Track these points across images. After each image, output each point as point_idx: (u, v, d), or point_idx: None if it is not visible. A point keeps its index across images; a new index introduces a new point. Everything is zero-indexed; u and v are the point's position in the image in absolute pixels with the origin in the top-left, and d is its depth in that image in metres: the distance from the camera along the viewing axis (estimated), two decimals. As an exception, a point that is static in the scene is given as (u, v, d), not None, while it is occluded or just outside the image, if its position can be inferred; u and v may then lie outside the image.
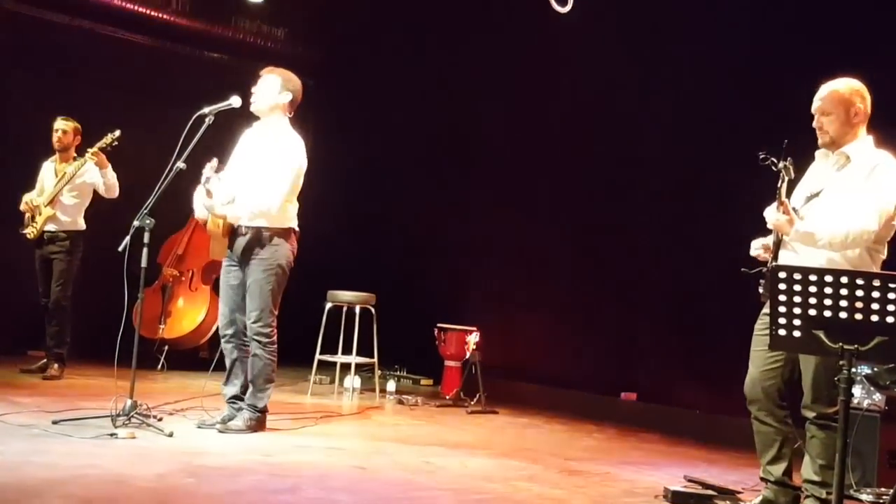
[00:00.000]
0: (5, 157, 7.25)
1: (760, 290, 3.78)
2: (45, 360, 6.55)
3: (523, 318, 7.60)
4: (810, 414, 3.73)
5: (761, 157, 3.71)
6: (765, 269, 3.75)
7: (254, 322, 4.82)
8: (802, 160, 3.83)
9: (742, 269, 3.85)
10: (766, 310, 3.74)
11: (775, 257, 3.75)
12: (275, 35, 8.90)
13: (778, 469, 3.85)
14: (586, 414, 6.66)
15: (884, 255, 3.70)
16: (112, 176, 6.46)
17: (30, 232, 6.48)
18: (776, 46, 5.95)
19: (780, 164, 3.67)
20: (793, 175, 3.72)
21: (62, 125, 6.56)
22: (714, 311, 6.09)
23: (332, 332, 6.88)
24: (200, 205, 4.89)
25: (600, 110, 7.11)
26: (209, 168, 4.74)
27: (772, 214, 3.72)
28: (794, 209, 3.70)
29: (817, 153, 3.91)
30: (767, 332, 3.55)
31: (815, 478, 3.71)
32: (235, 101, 4.82)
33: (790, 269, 3.13)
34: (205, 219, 4.92)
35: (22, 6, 7.74)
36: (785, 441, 3.85)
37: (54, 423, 4.43)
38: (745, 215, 4.15)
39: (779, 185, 3.69)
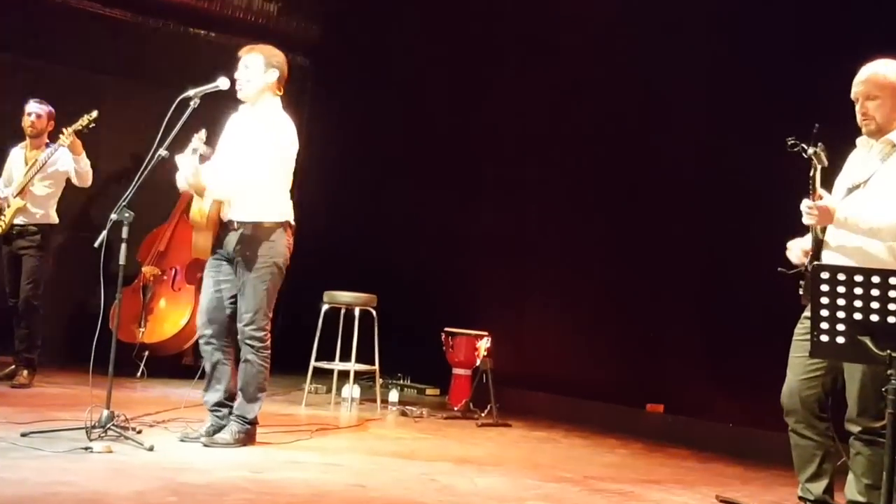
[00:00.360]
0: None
1: (801, 292, 3.79)
2: (13, 367, 6.57)
3: (539, 322, 7.60)
4: (855, 428, 3.72)
5: (790, 143, 3.71)
6: (804, 269, 3.75)
7: (246, 325, 4.83)
8: (833, 153, 3.82)
9: (779, 269, 3.85)
10: (806, 313, 3.72)
11: (816, 257, 3.75)
12: (267, 10, 8.91)
13: (818, 487, 3.85)
14: (609, 427, 6.66)
15: None
16: (86, 163, 6.48)
17: None
18: (808, 29, 5.92)
19: (811, 151, 3.68)
20: (825, 162, 3.72)
21: (36, 109, 6.58)
22: (748, 315, 6.07)
23: (328, 336, 6.91)
24: (183, 175, 4.80)
25: (621, 106, 7.06)
26: (197, 139, 4.73)
27: (807, 209, 3.70)
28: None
29: (859, 141, 3.91)
30: (808, 337, 3.54)
31: (860, 499, 3.71)
32: (223, 82, 4.83)
33: (833, 269, 3.13)
34: (185, 189, 4.90)
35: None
36: (826, 456, 3.85)
37: (23, 435, 4.44)
38: (780, 211, 4.13)
39: (811, 174, 3.69)
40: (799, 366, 3.87)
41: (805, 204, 3.70)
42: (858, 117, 3.80)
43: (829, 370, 3.81)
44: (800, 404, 3.85)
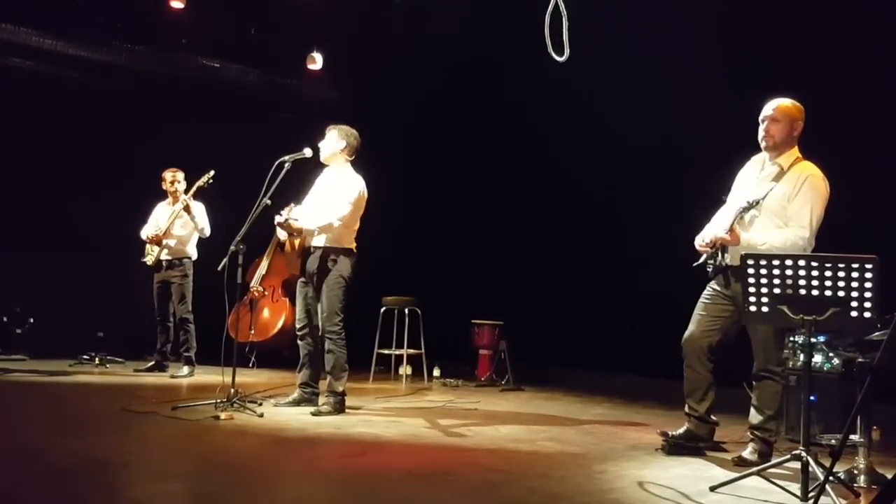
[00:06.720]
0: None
1: (708, 270, 3.85)
2: (153, 363, 6.56)
3: (543, 312, 7.50)
4: (759, 371, 3.75)
5: (702, 261, 3.81)
6: (706, 261, 3.82)
7: (324, 322, 4.80)
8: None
9: (694, 265, 3.91)
10: (712, 284, 3.85)
11: (723, 252, 3.77)
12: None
13: (702, 406, 3.87)
14: (596, 388, 6.57)
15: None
16: (201, 219, 6.45)
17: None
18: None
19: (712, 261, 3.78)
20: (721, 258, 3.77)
21: (178, 176, 6.59)
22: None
23: (386, 329, 6.92)
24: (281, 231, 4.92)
25: (620, 120, 6.49)
26: (286, 210, 4.80)
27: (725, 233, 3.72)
28: (742, 208, 3.71)
29: (754, 158, 3.87)
30: (711, 301, 3.80)
31: (760, 423, 3.72)
32: (308, 151, 4.86)
33: (757, 257, 3.09)
34: (283, 239, 4.96)
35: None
36: (709, 386, 3.87)
37: (173, 409, 4.46)
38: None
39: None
40: (700, 320, 3.87)
41: (723, 230, 3.73)
42: (760, 135, 3.74)
43: (720, 328, 3.82)
44: (696, 348, 3.84)
